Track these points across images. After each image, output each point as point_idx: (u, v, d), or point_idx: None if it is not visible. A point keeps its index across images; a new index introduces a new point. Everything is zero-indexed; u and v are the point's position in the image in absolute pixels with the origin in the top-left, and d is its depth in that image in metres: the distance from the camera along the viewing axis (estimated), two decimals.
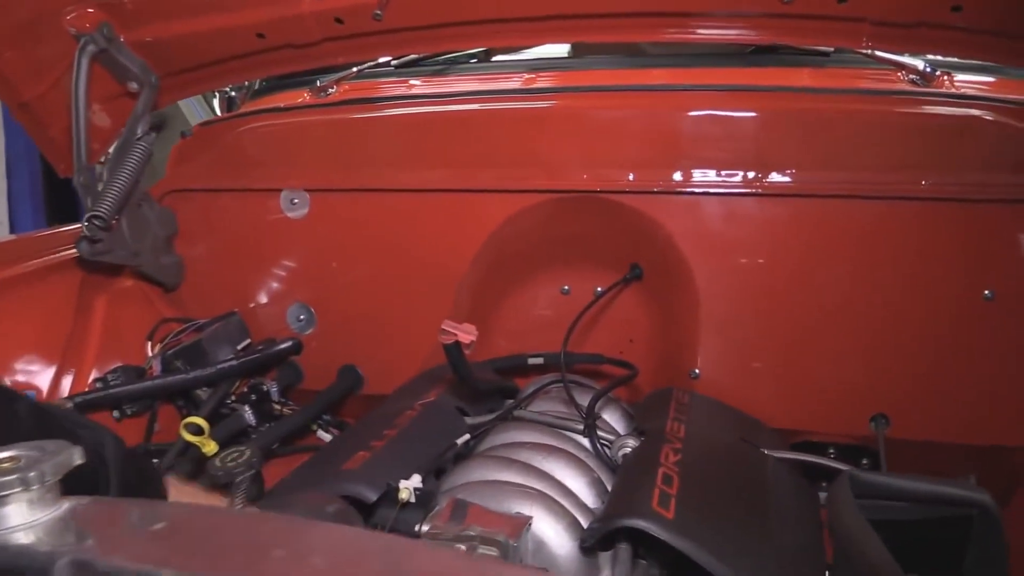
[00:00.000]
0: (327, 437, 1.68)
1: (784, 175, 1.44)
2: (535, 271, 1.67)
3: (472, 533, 0.96)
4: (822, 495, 1.44)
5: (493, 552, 0.93)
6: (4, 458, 0.53)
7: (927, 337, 1.41)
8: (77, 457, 0.55)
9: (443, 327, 1.18)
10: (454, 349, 1.21)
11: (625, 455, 1.22)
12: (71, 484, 0.73)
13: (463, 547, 0.92)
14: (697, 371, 1.52)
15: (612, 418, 1.43)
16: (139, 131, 1.57)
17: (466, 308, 1.66)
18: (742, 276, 1.49)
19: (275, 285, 1.75)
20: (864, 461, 1.45)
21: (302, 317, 1.75)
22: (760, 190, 1.46)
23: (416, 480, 1.08)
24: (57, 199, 2.72)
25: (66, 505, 0.54)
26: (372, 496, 1.06)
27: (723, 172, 1.47)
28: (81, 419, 0.78)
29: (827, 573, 0.99)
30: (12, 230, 2.70)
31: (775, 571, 0.96)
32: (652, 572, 1.06)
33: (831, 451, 1.48)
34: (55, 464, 0.53)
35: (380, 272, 1.68)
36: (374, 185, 1.63)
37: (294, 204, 1.68)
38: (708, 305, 1.50)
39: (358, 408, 1.73)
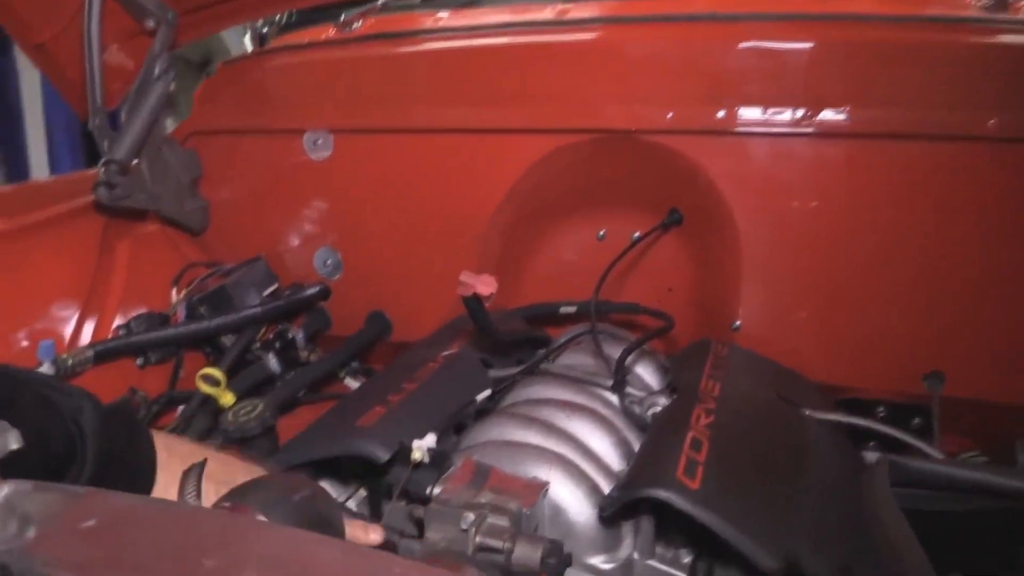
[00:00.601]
0: (354, 384, 1.64)
1: (838, 113, 1.32)
2: (568, 215, 1.59)
3: (483, 500, 0.91)
4: (868, 455, 1.37)
5: (504, 522, 0.87)
6: None
7: (990, 290, 1.29)
8: (13, 441, 0.50)
9: (461, 279, 1.12)
10: (473, 301, 1.14)
11: (655, 415, 1.15)
12: (45, 456, 0.69)
13: (472, 516, 0.87)
14: (738, 323, 1.43)
15: (646, 372, 1.36)
16: (157, 71, 1.52)
17: (495, 254, 1.59)
18: (788, 222, 1.39)
19: (301, 229, 1.70)
20: (915, 420, 1.36)
21: (329, 262, 1.70)
22: (811, 129, 1.34)
23: (431, 439, 1.03)
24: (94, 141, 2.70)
25: (1, 493, 0.49)
26: (384, 456, 1.02)
27: (770, 110, 1.35)
28: (57, 384, 0.74)
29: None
30: (53, 172, 2.72)
31: (809, 547, 0.89)
32: (678, 544, 1.00)
33: (880, 409, 1.38)
34: None
35: (407, 216, 1.62)
36: (399, 125, 1.56)
37: (317, 145, 1.62)
38: (751, 252, 1.41)
39: (387, 355, 1.69)
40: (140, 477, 0.77)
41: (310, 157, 1.63)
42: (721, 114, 1.38)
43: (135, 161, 1.51)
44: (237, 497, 0.59)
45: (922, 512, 0.64)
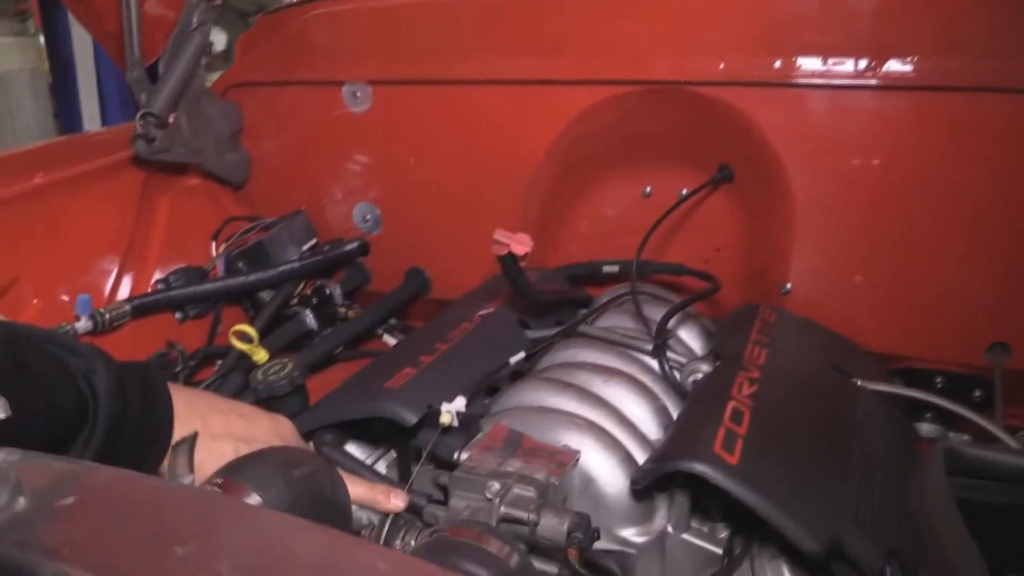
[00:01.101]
0: (392, 342, 1.62)
1: (904, 64, 1.23)
2: (614, 170, 1.53)
3: (510, 469, 0.88)
4: (924, 427, 1.30)
5: (530, 493, 0.84)
6: None
7: None
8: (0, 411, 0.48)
9: (495, 237, 1.08)
10: (508, 260, 1.10)
11: (696, 382, 1.10)
12: (56, 418, 0.68)
13: (497, 485, 0.84)
14: (789, 286, 1.36)
15: (689, 336, 1.31)
16: (194, 21, 1.49)
17: (537, 210, 1.54)
18: (845, 180, 1.31)
19: (341, 184, 1.67)
20: (976, 393, 1.29)
21: (368, 217, 1.67)
22: (874, 81, 1.25)
23: (460, 403, 1.00)
24: None
25: None
26: (411, 419, 0.99)
27: (831, 60, 1.26)
28: (70, 343, 0.72)
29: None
30: (104, 124, 2.74)
31: (855, 528, 0.84)
32: (716, 517, 0.96)
33: (938, 380, 1.31)
34: None
35: (446, 171, 1.57)
36: (439, 77, 1.51)
37: (356, 98, 1.58)
38: (804, 212, 1.33)
39: (426, 312, 1.67)
40: (156, 438, 0.76)
41: (350, 110, 1.59)
42: (777, 64, 1.30)
43: (174, 114, 1.49)
44: (231, 473, 0.57)
45: (980, 504, 0.58)
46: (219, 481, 0.56)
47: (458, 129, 1.53)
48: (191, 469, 0.58)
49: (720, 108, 1.35)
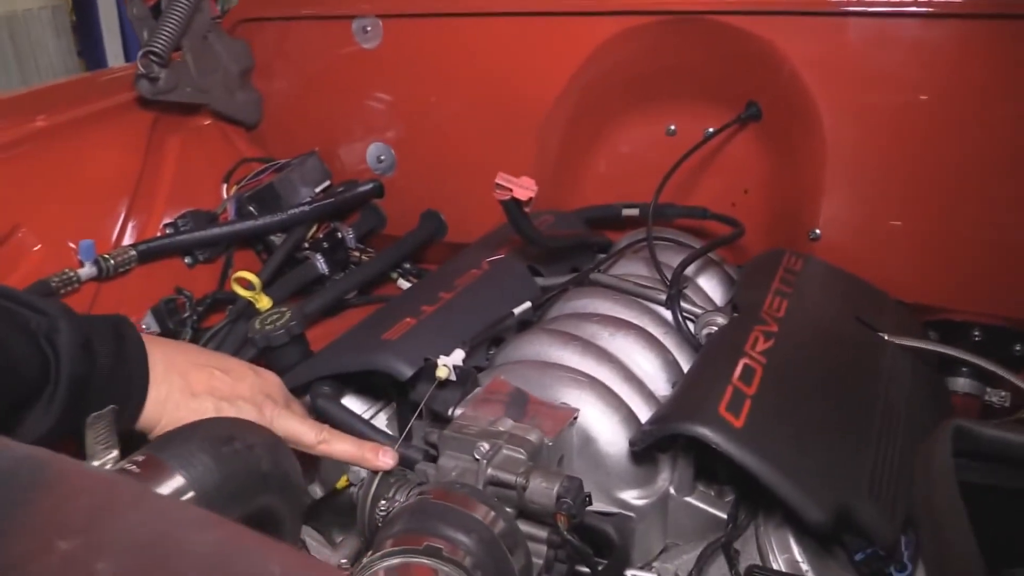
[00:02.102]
0: (407, 286, 1.58)
1: None
2: (635, 108, 1.44)
3: (501, 429, 0.84)
4: (960, 381, 1.23)
5: (520, 455, 0.80)
6: None
7: None
8: None
9: (497, 181, 1.02)
10: (511, 206, 1.04)
11: (710, 335, 1.04)
12: (14, 380, 0.65)
13: (486, 446, 0.80)
14: (818, 231, 1.28)
15: (710, 285, 1.24)
16: None
17: (555, 149, 1.47)
18: (883, 117, 1.21)
19: (354, 123, 1.62)
20: (1016, 347, 1.20)
21: (383, 158, 1.62)
22: (917, 8, 1.14)
23: (458, 356, 0.95)
24: None
25: None
26: (406, 372, 0.95)
27: None
28: (34, 300, 0.69)
29: None
30: (128, 62, 2.69)
31: (868, 496, 0.79)
32: (721, 480, 0.91)
33: (975, 333, 1.23)
34: None
35: (461, 109, 1.51)
36: (451, 9, 1.43)
37: (367, 33, 1.51)
38: (836, 152, 1.24)
39: (442, 255, 1.62)
40: (129, 396, 0.73)
41: (361, 45, 1.53)
42: None
43: (178, 52, 1.44)
44: (155, 449, 0.54)
45: (989, 488, 0.52)
46: (140, 458, 0.53)
47: (472, 64, 1.46)
48: (112, 444, 0.55)
49: (747, 39, 1.26)
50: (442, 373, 0.93)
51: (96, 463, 0.53)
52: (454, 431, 0.84)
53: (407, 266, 1.59)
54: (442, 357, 0.95)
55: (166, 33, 1.37)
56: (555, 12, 1.36)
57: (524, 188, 1.01)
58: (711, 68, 1.34)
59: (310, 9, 1.55)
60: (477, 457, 0.80)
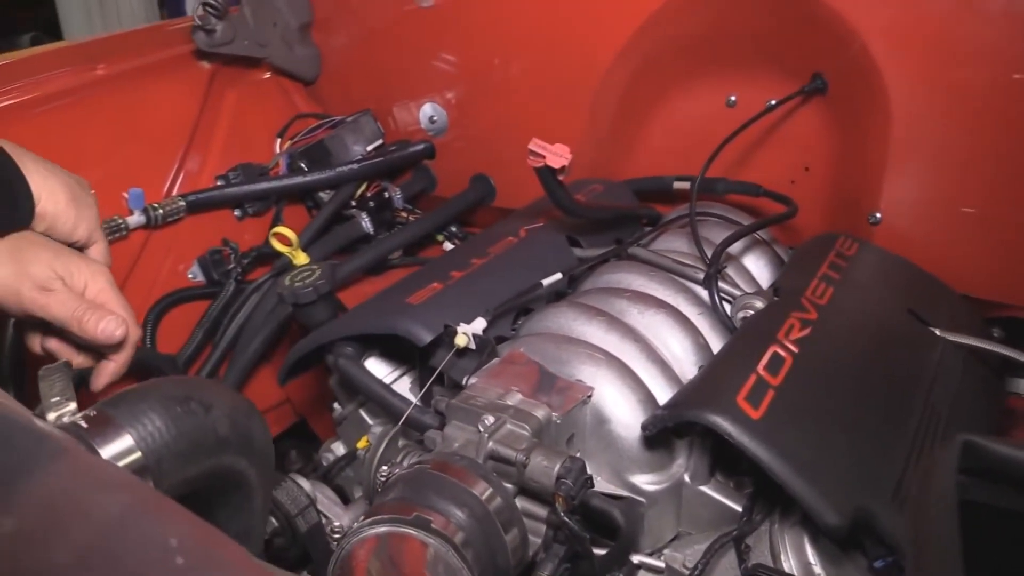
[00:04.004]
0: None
1: None
2: (694, 76, 1.38)
3: (509, 402, 0.82)
4: (1021, 384, 1.14)
5: (523, 430, 0.78)
6: None
7: None
8: None
9: (530, 147, 0.99)
10: (546, 173, 1.01)
11: (745, 319, 1.00)
12: None
13: (491, 419, 0.78)
14: (879, 215, 1.21)
15: (757, 266, 1.18)
16: None
17: (609, 117, 1.42)
18: (957, 94, 1.12)
19: (408, 82, 1.60)
20: None
21: (435, 119, 1.60)
22: None
23: (479, 324, 0.94)
24: None
25: None
26: (426, 337, 0.94)
27: None
28: None
29: None
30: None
31: (892, 502, 0.74)
32: (742, 471, 0.87)
33: None
34: None
35: (514, 72, 1.47)
36: None
37: None
38: (904, 131, 1.16)
39: (489, 220, 1.59)
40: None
41: (418, 3, 1.50)
42: None
43: (237, 4, 1.45)
44: (107, 405, 0.53)
45: (999, 510, 0.47)
46: (92, 413, 0.53)
47: (528, 27, 1.42)
48: (70, 396, 0.55)
49: (816, 8, 1.18)
50: (461, 341, 0.91)
51: (52, 415, 0.54)
52: (461, 401, 0.82)
53: (453, 229, 1.57)
54: (462, 325, 0.93)
55: None
56: None
57: (558, 155, 0.98)
58: (775, 37, 1.27)
59: None
60: (480, 430, 0.78)
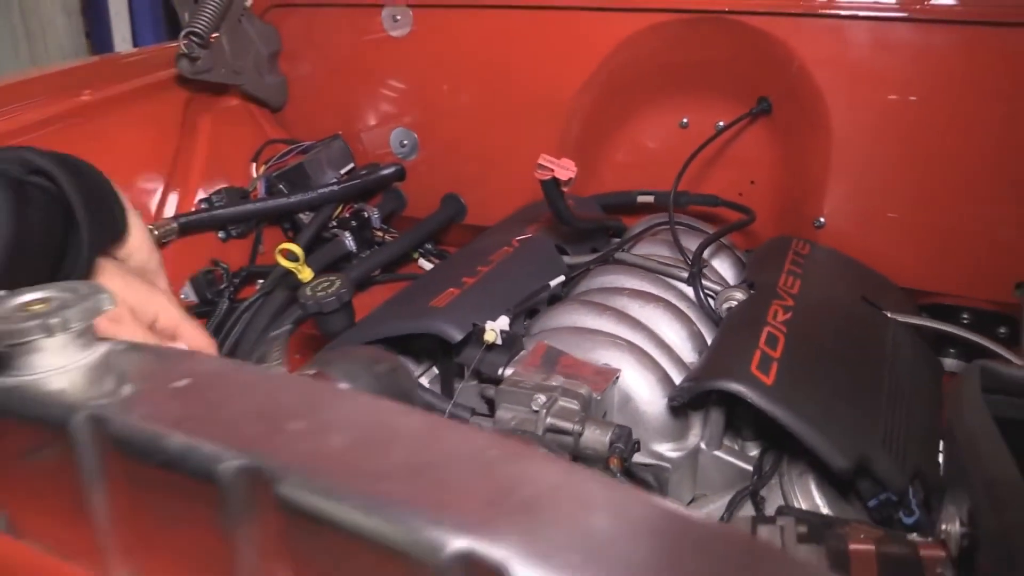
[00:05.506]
0: (428, 266, 1.66)
1: None
2: (651, 100, 1.53)
3: (554, 383, 0.92)
4: (947, 362, 1.33)
5: (574, 405, 0.89)
6: (34, 300, 0.51)
7: None
8: (107, 303, 0.51)
9: (540, 162, 1.10)
10: (551, 186, 1.13)
11: (730, 309, 1.14)
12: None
13: (543, 398, 0.88)
14: (822, 219, 1.38)
15: (722, 267, 1.33)
16: None
17: (574, 138, 1.55)
18: (885, 115, 1.31)
19: (378, 108, 1.69)
20: (1001, 330, 1.31)
21: (405, 143, 1.69)
22: (921, 15, 1.24)
23: (503, 322, 1.03)
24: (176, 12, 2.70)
25: (100, 351, 0.52)
26: (457, 335, 1.03)
27: None
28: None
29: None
30: (135, 45, 2.73)
31: (882, 450, 0.88)
32: (746, 436, 1.01)
33: (964, 316, 1.34)
34: (82, 310, 0.50)
35: (485, 97, 1.58)
36: (481, 1, 1.51)
37: (397, 21, 1.58)
38: (842, 146, 1.34)
39: (460, 237, 1.70)
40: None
41: (389, 33, 1.59)
42: None
43: (215, 34, 1.50)
44: (321, 365, 0.61)
45: (1019, 422, 0.61)
46: (311, 372, 0.60)
47: (499, 55, 1.54)
48: (285, 361, 0.62)
49: (761, 38, 1.35)
50: (490, 337, 1.01)
51: None
52: (510, 386, 0.92)
53: (428, 247, 1.66)
54: (489, 322, 1.03)
55: (208, 15, 1.43)
56: (581, 8, 1.44)
57: (565, 169, 1.10)
58: (725, 64, 1.43)
59: None
60: (535, 408, 0.88)
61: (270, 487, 0.39)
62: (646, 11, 1.40)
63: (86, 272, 0.75)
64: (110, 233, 0.82)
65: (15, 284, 0.55)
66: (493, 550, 0.34)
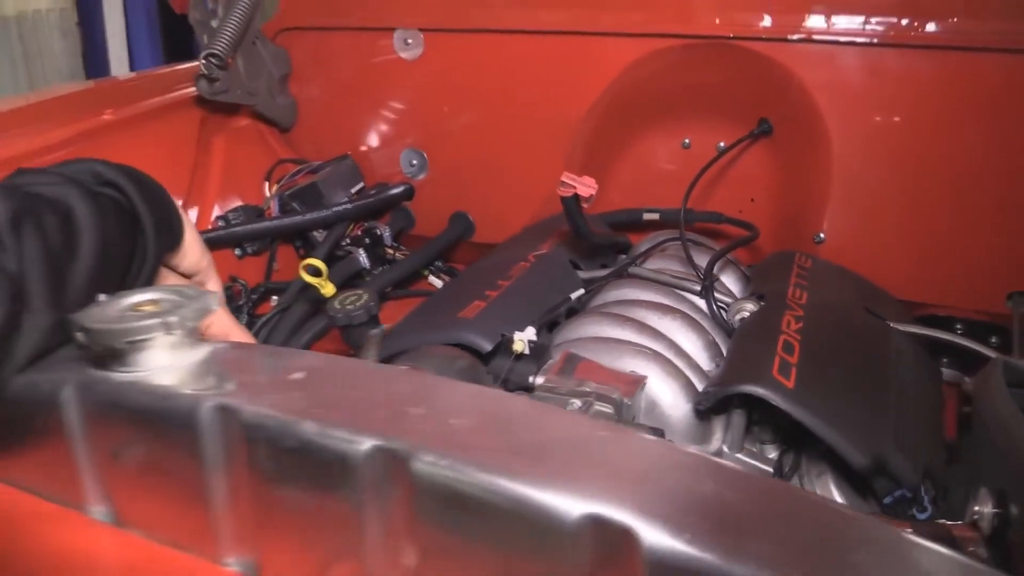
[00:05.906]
0: (438, 283, 1.70)
1: (943, 24, 1.29)
2: (655, 122, 1.59)
3: (587, 389, 0.96)
4: (945, 371, 1.39)
5: (608, 409, 0.93)
6: (145, 301, 0.55)
7: None
8: (214, 303, 0.55)
9: (563, 179, 1.15)
10: (572, 202, 1.17)
11: (743, 319, 1.19)
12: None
13: (579, 403, 0.92)
14: (822, 235, 1.44)
15: (729, 280, 1.39)
16: None
17: (580, 159, 1.61)
18: (881, 135, 1.38)
19: (388, 129, 1.73)
20: (993, 339, 1.38)
21: (415, 162, 1.73)
22: (910, 41, 1.32)
23: (531, 332, 1.08)
24: (172, 37, 2.74)
25: (206, 349, 0.55)
26: (487, 346, 1.07)
27: (873, 18, 1.33)
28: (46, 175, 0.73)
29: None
30: (132, 68, 2.75)
31: (893, 446, 0.93)
32: (764, 439, 1.05)
33: (958, 326, 1.40)
34: (195, 309, 0.53)
35: (494, 118, 1.64)
36: (491, 26, 1.56)
37: (408, 44, 1.63)
38: (841, 165, 1.41)
39: (468, 255, 1.74)
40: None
41: (400, 56, 1.64)
42: (819, 21, 1.36)
43: (232, 56, 1.54)
44: (411, 362, 0.65)
45: None
46: (404, 368, 0.64)
47: (508, 78, 1.59)
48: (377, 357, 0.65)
49: (762, 63, 1.42)
50: (519, 347, 1.05)
51: None
52: (545, 392, 0.96)
53: (438, 264, 1.71)
54: (517, 333, 1.07)
55: (227, 37, 1.46)
56: (589, 32, 1.50)
57: (587, 186, 1.15)
58: (727, 87, 1.50)
59: (352, 20, 1.66)
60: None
61: (404, 465, 0.42)
62: (652, 36, 1.46)
63: (150, 278, 0.79)
64: (170, 240, 0.86)
65: (99, 290, 0.58)
66: (620, 514, 0.38)
